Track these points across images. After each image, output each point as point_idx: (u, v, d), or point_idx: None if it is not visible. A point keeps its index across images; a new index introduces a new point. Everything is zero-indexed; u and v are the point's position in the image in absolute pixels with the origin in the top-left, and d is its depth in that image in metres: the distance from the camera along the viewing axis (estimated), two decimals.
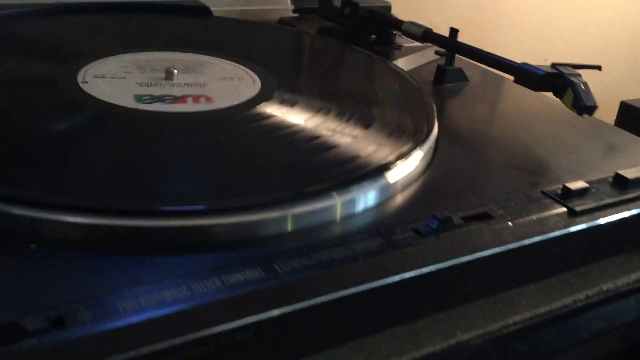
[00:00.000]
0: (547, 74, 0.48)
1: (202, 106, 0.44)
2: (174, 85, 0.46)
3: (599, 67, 0.50)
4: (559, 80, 0.47)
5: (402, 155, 0.40)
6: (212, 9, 0.70)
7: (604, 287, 0.38)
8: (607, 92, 1.21)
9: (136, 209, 0.32)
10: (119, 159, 0.38)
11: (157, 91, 0.45)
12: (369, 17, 0.67)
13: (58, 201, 0.31)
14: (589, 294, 0.38)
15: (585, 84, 0.46)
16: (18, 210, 0.31)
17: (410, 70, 0.61)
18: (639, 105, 0.91)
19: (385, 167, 0.38)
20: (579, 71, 0.48)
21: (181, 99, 0.44)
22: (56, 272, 0.28)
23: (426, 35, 0.59)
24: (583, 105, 0.45)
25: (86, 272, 0.29)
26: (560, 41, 1.09)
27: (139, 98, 0.44)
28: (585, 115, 0.53)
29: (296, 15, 0.76)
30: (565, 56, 1.12)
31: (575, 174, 0.43)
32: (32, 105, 0.43)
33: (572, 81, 0.46)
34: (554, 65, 0.49)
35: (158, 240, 0.32)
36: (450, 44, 0.57)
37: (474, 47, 0.55)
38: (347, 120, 0.44)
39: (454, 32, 0.57)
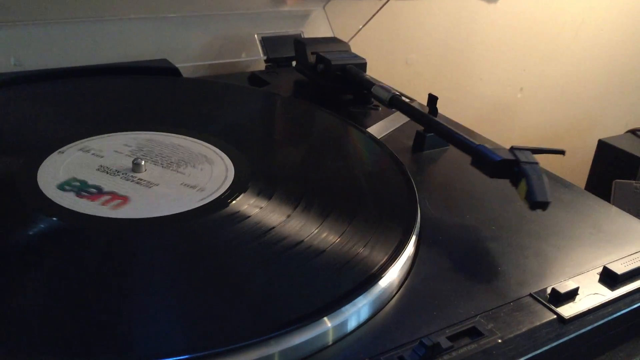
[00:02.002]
0: (501, 160, 0.44)
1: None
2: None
3: (562, 152, 0.46)
4: (514, 168, 0.43)
5: (392, 260, 0.38)
6: (181, 65, 0.68)
7: None
8: (582, 126, 1.21)
9: None
10: None
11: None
12: (342, 75, 0.64)
13: None
14: None
15: (540, 176, 0.42)
16: None
17: (388, 134, 0.59)
18: (615, 144, 0.90)
19: (375, 278, 0.37)
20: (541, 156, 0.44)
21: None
22: None
23: (393, 102, 0.56)
24: (534, 200, 0.41)
25: None
26: (534, 70, 1.08)
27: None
28: (575, 189, 0.51)
29: (269, 64, 0.74)
30: (541, 85, 1.11)
31: (563, 265, 0.42)
32: None
33: (526, 172, 0.42)
34: (512, 149, 0.45)
35: None
36: (415, 114, 0.54)
37: (436, 121, 0.51)
38: (327, 217, 0.42)
39: (432, 99, 0.55)
